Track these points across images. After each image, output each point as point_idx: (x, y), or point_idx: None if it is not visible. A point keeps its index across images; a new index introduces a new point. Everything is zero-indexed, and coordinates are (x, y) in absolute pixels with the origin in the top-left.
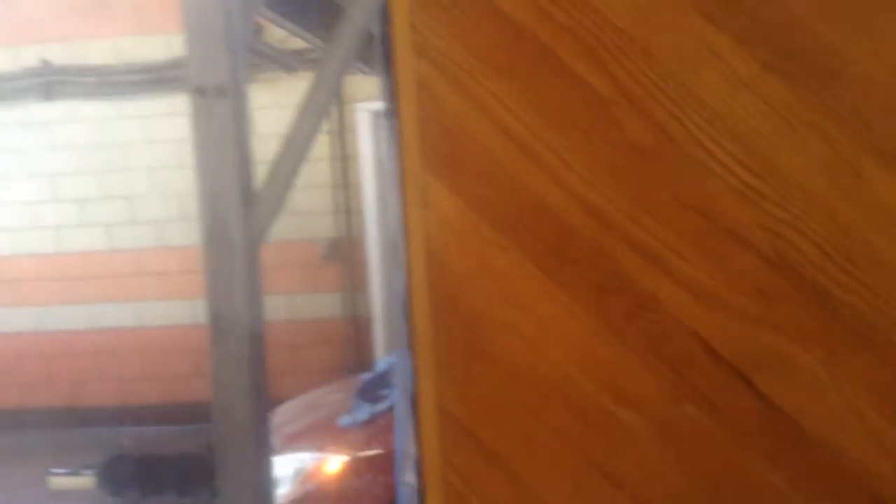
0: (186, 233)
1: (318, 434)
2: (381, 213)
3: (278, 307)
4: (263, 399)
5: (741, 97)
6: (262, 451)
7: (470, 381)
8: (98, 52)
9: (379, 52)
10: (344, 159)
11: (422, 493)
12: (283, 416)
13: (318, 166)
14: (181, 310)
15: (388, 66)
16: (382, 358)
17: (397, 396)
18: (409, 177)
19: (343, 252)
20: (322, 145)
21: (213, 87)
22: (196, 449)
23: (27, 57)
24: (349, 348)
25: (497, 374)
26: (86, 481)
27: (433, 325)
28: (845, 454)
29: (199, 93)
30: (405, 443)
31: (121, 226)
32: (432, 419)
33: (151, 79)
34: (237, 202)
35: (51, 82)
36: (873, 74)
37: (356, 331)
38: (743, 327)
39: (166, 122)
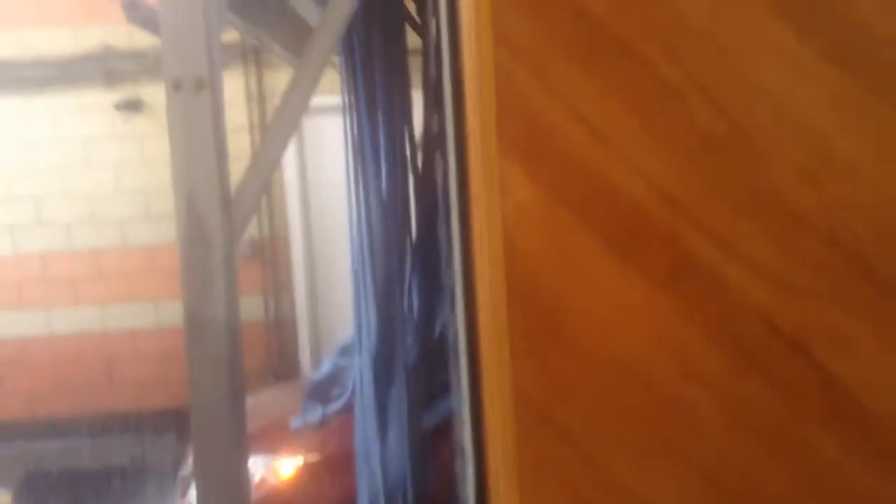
0: (96, 235)
1: (269, 437)
2: (304, 212)
3: None
4: (241, 398)
5: (803, 87)
6: (240, 450)
7: (547, 363)
8: (1, 44)
9: (433, 39)
10: None
11: (480, 476)
12: None
13: (239, 165)
14: (91, 316)
15: (450, 53)
16: (328, 359)
17: (360, 395)
18: (486, 163)
19: (265, 252)
20: (243, 142)
21: (190, 81)
22: (119, 461)
23: None
24: (273, 352)
25: (573, 355)
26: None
27: (508, 309)
28: None
29: (176, 87)
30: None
31: (26, 228)
32: (507, 402)
33: (59, 74)
34: (216, 200)
35: None
36: None
37: (279, 334)
38: (803, 304)
39: (74, 120)
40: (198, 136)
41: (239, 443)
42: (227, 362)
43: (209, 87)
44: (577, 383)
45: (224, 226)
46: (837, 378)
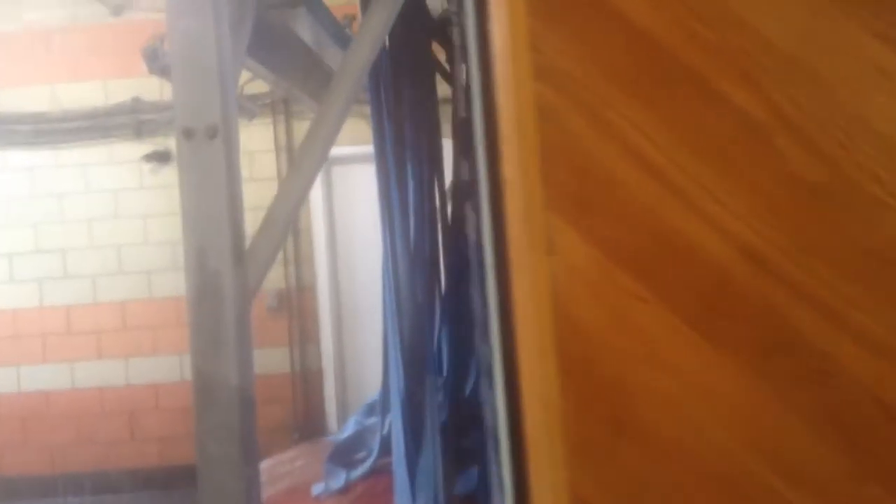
0: (122, 287)
1: None
2: (331, 262)
3: None
4: (254, 467)
5: None
6: None
7: (611, 461)
8: (34, 99)
9: (463, 82)
10: None
11: None
12: None
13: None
14: (116, 370)
15: (479, 92)
16: (352, 418)
17: (398, 460)
18: (530, 218)
19: (292, 303)
20: (272, 192)
21: (202, 129)
22: None
23: None
24: (299, 405)
25: (643, 451)
26: None
27: (562, 393)
28: None
29: (187, 135)
30: None
31: (54, 280)
32: None
33: (89, 126)
34: (228, 254)
35: None
36: None
37: (305, 386)
38: None
39: (104, 172)
40: (210, 187)
41: None
42: (238, 430)
43: (222, 135)
44: (650, 486)
45: (237, 281)
46: None
